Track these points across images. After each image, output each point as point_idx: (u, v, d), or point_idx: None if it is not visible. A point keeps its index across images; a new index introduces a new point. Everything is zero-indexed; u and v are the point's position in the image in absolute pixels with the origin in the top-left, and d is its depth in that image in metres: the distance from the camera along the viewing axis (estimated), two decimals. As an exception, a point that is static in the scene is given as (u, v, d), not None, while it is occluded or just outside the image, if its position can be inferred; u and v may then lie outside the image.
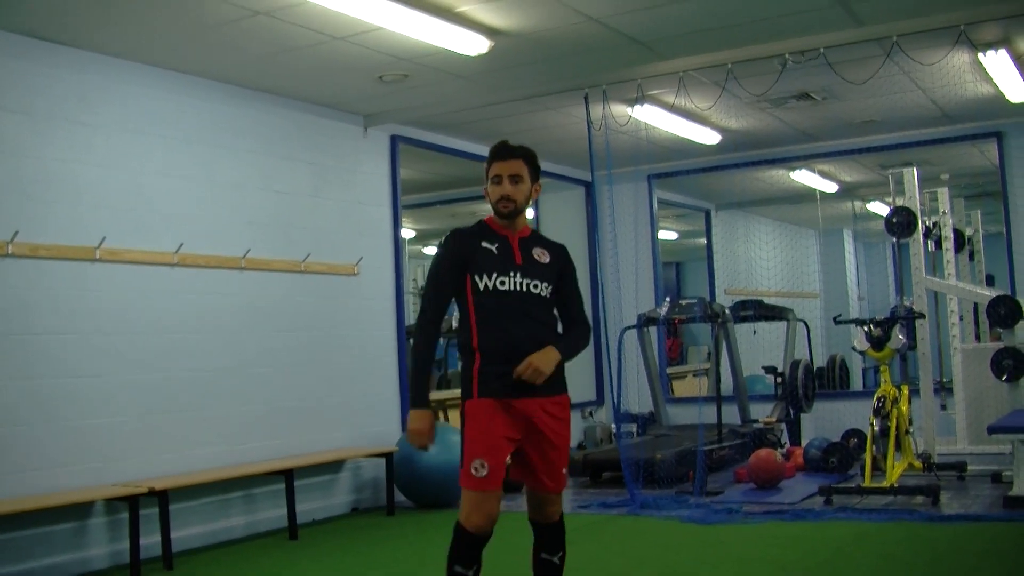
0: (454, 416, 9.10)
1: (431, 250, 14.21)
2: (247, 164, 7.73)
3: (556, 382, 4.15)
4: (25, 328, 6.15)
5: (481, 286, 4.10)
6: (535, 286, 4.13)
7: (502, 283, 4.10)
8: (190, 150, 7.29)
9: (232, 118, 7.64)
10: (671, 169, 11.32)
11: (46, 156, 6.33)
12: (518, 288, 4.10)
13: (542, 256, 4.21)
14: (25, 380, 6.13)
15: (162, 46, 6.70)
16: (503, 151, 4.22)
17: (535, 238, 4.31)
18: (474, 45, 6.77)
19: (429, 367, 4.18)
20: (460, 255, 4.16)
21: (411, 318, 9.01)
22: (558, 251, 4.32)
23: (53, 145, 6.39)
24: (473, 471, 3.97)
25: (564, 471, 4.26)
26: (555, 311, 4.25)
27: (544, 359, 4.03)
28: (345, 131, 8.61)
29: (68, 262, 6.39)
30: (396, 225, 9.02)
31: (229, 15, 6.16)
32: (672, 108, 8.46)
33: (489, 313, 4.10)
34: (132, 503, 6.23)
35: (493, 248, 4.16)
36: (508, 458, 4.10)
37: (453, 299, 4.21)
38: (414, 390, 4.12)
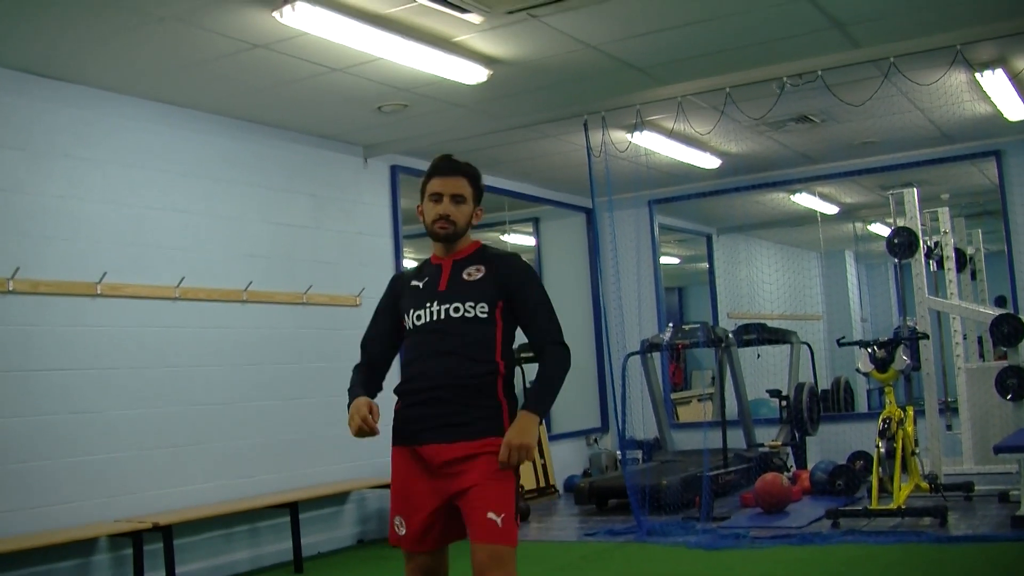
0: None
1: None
2: (247, 197, 7.74)
3: (481, 422, 3.64)
4: (27, 364, 6.15)
5: (407, 327, 3.80)
6: (456, 309, 3.68)
7: (419, 318, 3.73)
8: (189, 184, 7.30)
9: (231, 151, 7.65)
10: (672, 194, 11.33)
11: (45, 192, 6.35)
12: (435, 317, 3.69)
13: (473, 274, 3.76)
14: (27, 416, 6.12)
15: (160, 80, 6.73)
16: (446, 166, 3.84)
17: (475, 256, 3.85)
18: (473, 74, 6.79)
19: (365, 380, 3.85)
20: (391, 298, 3.95)
21: None
22: (500, 263, 3.83)
23: (51, 181, 6.40)
24: (395, 528, 3.76)
25: (492, 515, 3.56)
26: (497, 333, 3.70)
27: (520, 432, 3.58)
28: (345, 162, 8.63)
29: (69, 297, 6.40)
30: (398, 255, 9.02)
31: (227, 49, 6.19)
32: (671, 133, 8.46)
33: (408, 352, 3.80)
34: (136, 539, 6.21)
35: (420, 283, 3.83)
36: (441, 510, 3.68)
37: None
38: (350, 396, 3.79)
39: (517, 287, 3.77)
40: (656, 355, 10.48)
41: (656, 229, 11.71)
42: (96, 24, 5.69)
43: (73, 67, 6.35)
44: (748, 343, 10.31)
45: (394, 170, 9.09)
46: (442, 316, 3.68)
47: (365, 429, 3.67)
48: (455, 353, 3.63)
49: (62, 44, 5.96)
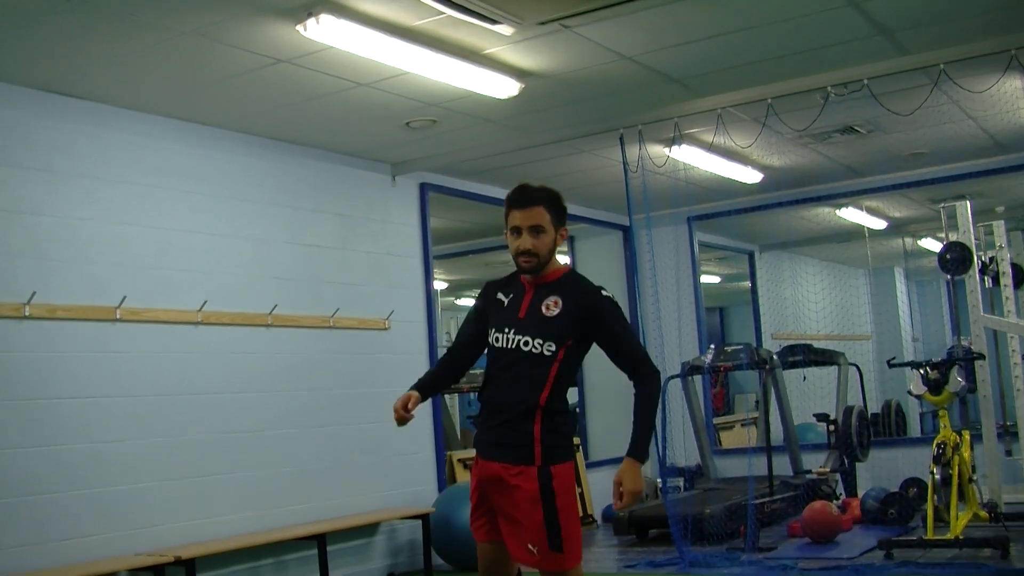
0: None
1: (465, 301, 14.28)
2: (272, 217, 7.76)
3: (518, 449, 3.97)
4: (44, 393, 6.16)
5: (490, 340, 4.12)
6: (526, 343, 3.98)
7: (497, 340, 4.06)
8: (212, 204, 7.32)
9: (255, 170, 7.68)
10: (712, 210, 11.25)
11: (65, 214, 6.38)
12: (509, 346, 4.02)
13: (551, 307, 4.01)
14: (46, 446, 6.12)
15: (182, 98, 6.75)
16: (521, 198, 4.04)
17: (559, 283, 4.09)
18: (504, 88, 6.77)
19: (433, 375, 4.32)
20: (480, 306, 4.23)
21: None
22: (580, 297, 4.04)
23: (72, 202, 6.43)
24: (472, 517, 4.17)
25: (531, 547, 3.96)
26: (551, 371, 3.96)
27: (629, 476, 3.95)
28: (372, 180, 8.64)
29: (87, 323, 6.40)
30: (428, 276, 9.02)
31: (250, 64, 6.20)
32: (711, 147, 8.40)
33: (489, 369, 4.12)
34: (158, 573, 6.17)
35: (506, 300, 4.12)
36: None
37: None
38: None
39: (601, 323, 3.99)
40: (697, 378, 10.43)
41: (696, 247, 11.67)
42: (118, 42, 5.72)
43: (94, 86, 6.38)
44: (794, 365, 10.23)
45: (423, 188, 9.09)
46: (513, 346, 3.99)
47: (400, 418, 4.09)
48: (516, 385, 3.97)
49: (83, 63, 5.99)
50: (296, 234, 7.93)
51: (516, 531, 3.95)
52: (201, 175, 7.28)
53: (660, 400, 4.15)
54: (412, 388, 4.16)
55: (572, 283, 4.08)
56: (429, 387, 4.24)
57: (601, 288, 4.10)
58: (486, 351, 4.16)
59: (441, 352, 10.86)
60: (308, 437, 7.77)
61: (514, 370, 3.97)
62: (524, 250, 3.98)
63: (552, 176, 9.34)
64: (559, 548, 3.91)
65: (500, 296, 4.12)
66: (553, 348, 3.94)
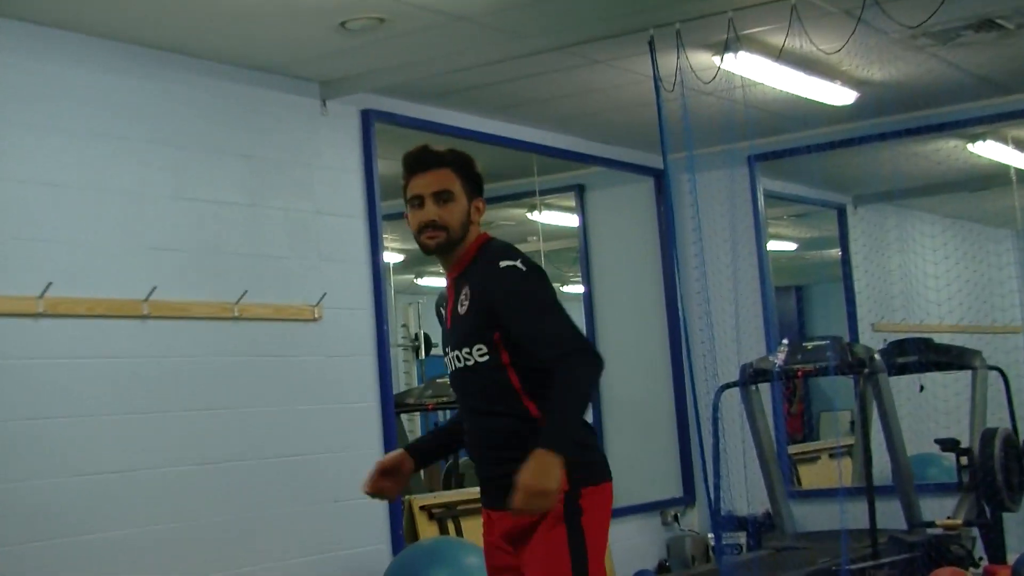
0: (471, 525, 9.12)
1: (430, 281, 14.15)
2: (149, 161, 7.61)
3: (503, 490, 4.09)
4: None
5: None
6: (458, 358, 4.31)
7: (446, 366, 4.46)
8: (63, 142, 7.16)
9: (125, 92, 7.53)
10: (783, 146, 11.17)
11: None
12: (451, 368, 4.39)
13: (465, 301, 4.30)
14: None
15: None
16: (420, 159, 4.33)
17: (471, 269, 4.40)
18: (476, -29, 6.60)
19: (433, 435, 5.11)
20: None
21: (401, 381, 8.77)
22: (480, 275, 4.31)
23: None
24: None
25: None
26: (510, 374, 4.23)
27: (534, 472, 3.91)
28: (294, 106, 8.53)
29: None
30: (375, 245, 8.93)
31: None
32: (781, 54, 8.28)
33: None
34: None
35: (444, 310, 4.45)
36: None
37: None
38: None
39: (502, 302, 4.18)
40: (764, 388, 10.33)
41: (761, 199, 11.60)
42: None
43: None
44: (905, 369, 10.10)
45: (367, 117, 8.95)
46: (454, 367, 4.35)
47: (373, 490, 4.44)
48: (481, 413, 4.30)
49: None
50: (184, 186, 7.80)
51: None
52: (43, 98, 7.09)
53: (595, 387, 4.25)
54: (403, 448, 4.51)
55: (481, 262, 4.34)
56: (428, 450, 4.68)
57: (506, 256, 4.27)
58: None
59: (400, 356, 10.95)
60: (202, 478, 7.64)
61: (470, 398, 4.32)
62: (427, 222, 4.24)
63: (552, 99, 9.35)
64: None
65: (442, 310, 4.59)
66: (484, 351, 4.19)
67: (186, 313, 7.71)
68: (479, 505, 4.47)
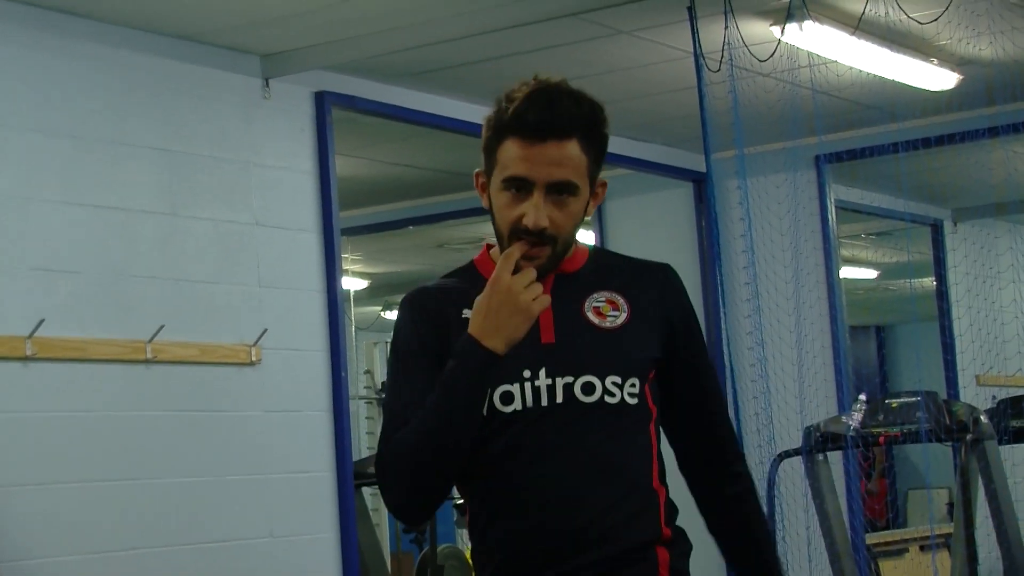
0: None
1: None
2: (38, 155, 6.22)
3: None
4: None
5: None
6: (589, 387, 2.59)
7: (507, 399, 2.60)
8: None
9: (10, 65, 6.13)
10: (861, 144, 9.32)
11: None
12: (545, 401, 2.61)
13: (608, 311, 2.71)
14: None
15: None
16: (544, 119, 2.58)
17: (594, 271, 2.81)
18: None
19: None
20: (428, 339, 2.78)
21: (363, 444, 8.30)
22: (650, 284, 2.81)
23: None
24: None
25: None
26: (651, 431, 2.71)
27: None
28: (228, 86, 7.11)
29: None
30: (331, 267, 7.44)
31: None
32: (859, 27, 6.84)
33: (490, 471, 2.67)
34: None
35: None
36: None
37: None
38: (456, 376, 2.61)
39: (683, 332, 2.82)
40: (836, 458, 8.50)
41: (832, 211, 9.73)
42: None
43: None
44: (1022, 435, 8.10)
45: (321, 101, 7.42)
46: (559, 399, 2.63)
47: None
48: (597, 481, 2.65)
49: None
50: (85, 188, 6.37)
51: None
52: None
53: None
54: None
55: (623, 266, 2.87)
56: None
57: (669, 265, 2.95)
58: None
59: (360, 411, 10.39)
60: (97, 572, 6.22)
61: (579, 443, 2.63)
62: (535, 227, 2.60)
63: (582, 77, 7.98)
64: None
65: (468, 313, 2.70)
66: (637, 388, 2.65)
67: (83, 354, 6.30)
68: None
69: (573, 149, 2.68)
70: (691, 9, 6.41)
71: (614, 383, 2.69)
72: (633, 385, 2.71)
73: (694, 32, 6.54)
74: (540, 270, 2.76)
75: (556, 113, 2.67)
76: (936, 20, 6.60)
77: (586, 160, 2.73)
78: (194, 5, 6.51)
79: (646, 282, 2.87)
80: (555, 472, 2.69)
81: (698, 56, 6.67)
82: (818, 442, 7.88)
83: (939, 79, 8.17)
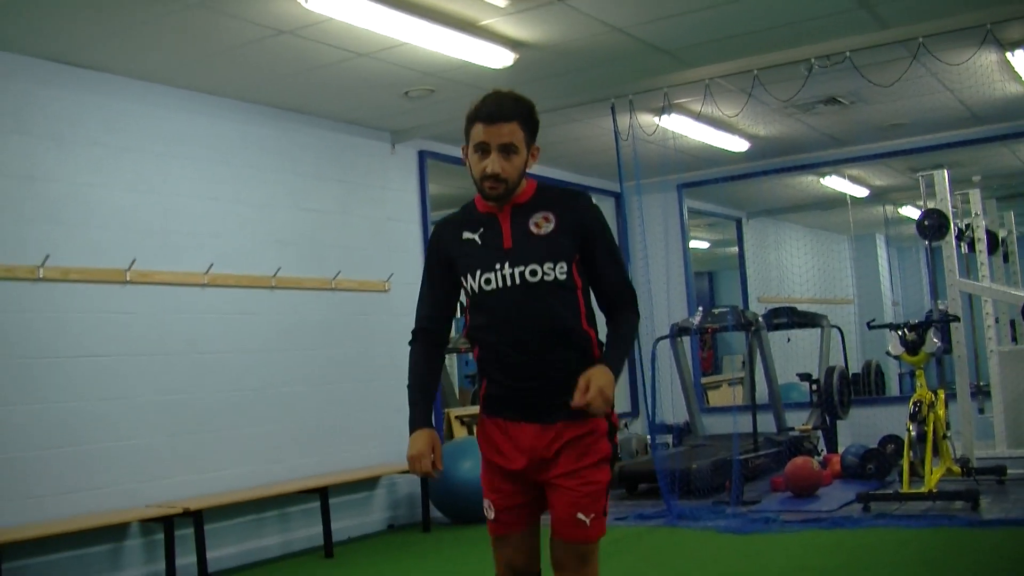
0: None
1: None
2: (275, 183, 7.73)
3: (558, 408, 3.19)
4: (57, 351, 6.19)
5: (470, 290, 3.30)
6: (533, 272, 3.18)
7: (487, 282, 3.22)
8: (218, 170, 7.31)
9: (259, 137, 7.64)
10: (701, 178, 11.16)
11: (74, 180, 6.38)
12: (508, 283, 3.20)
13: (543, 224, 3.25)
14: (57, 402, 6.15)
15: (187, 67, 6.73)
16: (491, 111, 3.20)
17: (536, 201, 3.32)
18: (499, 58, 6.75)
19: (425, 382, 3.36)
20: (441, 255, 3.38)
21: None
22: (569, 206, 3.31)
23: (82, 169, 6.43)
24: (485, 511, 3.36)
25: (581, 516, 3.19)
26: (579, 295, 3.25)
27: (607, 383, 3.10)
28: (373, 148, 8.58)
29: (98, 285, 6.42)
30: (425, 240, 8.88)
31: (253, 35, 6.19)
32: (699, 116, 8.36)
33: (482, 325, 3.27)
34: (167, 524, 6.25)
35: (476, 237, 3.31)
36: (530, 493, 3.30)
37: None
38: (411, 411, 3.29)
39: (591, 235, 3.28)
40: (686, 339, 10.40)
41: (685, 213, 11.62)
42: (125, 13, 5.70)
43: (102, 56, 6.37)
44: (778, 327, 10.23)
45: (422, 156, 9.01)
46: (517, 281, 3.19)
47: (428, 474, 3.29)
48: (539, 317, 3.18)
49: (91, 33, 5.97)
50: (299, 199, 7.89)
51: (570, 500, 3.18)
52: (206, 142, 7.25)
53: (646, 354, 3.60)
54: (418, 425, 3.27)
55: (552, 196, 3.34)
56: (430, 406, 3.36)
57: (586, 196, 3.41)
58: (469, 306, 3.35)
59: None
60: (311, 394, 7.75)
61: (529, 306, 3.19)
62: (492, 174, 3.20)
63: (546, 144, 8.97)
64: (605, 511, 3.26)
65: (468, 235, 3.31)
66: (565, 269, 3.20)
67: (300, 285, 7.77)
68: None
69: (514, 127, 3.17)
70: (613, 109, 7.78)
71: (548, 267, 3.17)
72: (562, 267, 3.18)
73: (614, 120, 7.91)
74: (498, 198, 3.22)
75: (502, 107, 3.18)
76: (736, 115, 8.06)
77: (523, 133, 3.20)
78: (356, 106, 7.86)
79: (568, 205, 3.28)
80: (516, 326, 3.17)
81: (616, 132, 7.96)
82: (678, 332, 9.98)
83: (739, 144, 9.80)
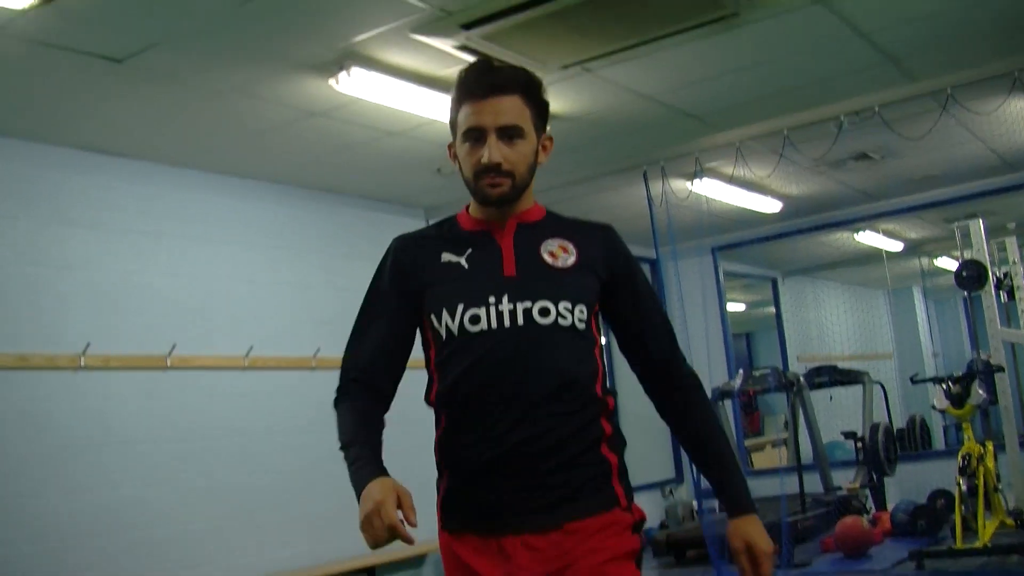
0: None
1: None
2: (311, 263, 7.72)
3: (588, 487, 2.39)
4: (101, 438, 6.15)
5: (443, 331, 2.44)
6: (545, 311, 2.37)
7: (474, 320, 2.39)
8: (254, 253, 7.32)
9: (293, 218, 7.65)
10: (735, 240, 11.09)
11: (114, 268, 6.40)
12: (506, 322, 2.37)
13: (560, 254, 2.46)
14: (98, 491, 6.10)
15: (220, 152, 6.76)
16: (484, 80, 2.40)
17: (550, 224, 2.54)
18: (529, 131, 6.71)
19: (368, 433, 2.49)
20: (408, 278, 2.57)
21: None
22: (593, 238, 2.54)
23: (120, 257, 6.45)
24: None
25: None
26: (596, 352, 2.46)
27: (757, 532, 2.49)
28: (407, 224, 8.04)
29: (140, 371, 6.40)
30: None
31: (284, 118, 6.22)
32: (731, 179, 8.30)
33: (458, 380, 2.43)
34: (214, 609, 6.18)
35: (461, 260, 2.49)
36: None
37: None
38: (353, 469, 2.40)
39: (623, 278, 2.52)
40: (728, 402, 10.25)
41: (721, 276, 11.52)
42: (158, 101, 5.75)
43: (135, 144, 6.42)
44: (820, 385, 10.08)
45: None
46: (519, 321, 2.36)
47: (393, 536, 2.32)
48: (547, 385, 2.35)
49: (125, 123, 6.03)
50: (335, 278, 7.86)
51: None
52: (241, 225, 7.27)
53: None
54: (369, 472, 2.38)
55: (571, 223, 2.58)
56: (379, 458, 2.46)
57: (609, 227, 2.63)
58: (436, 360, 2.51)
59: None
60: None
61: (534, 356, 2.34)
62: (492, 164, 2.39)
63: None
64: None
65: (449, 257, 2.51)
66: (585, 315, 2.40)
67: (339, 365, 7.52)
68: None
69: (515, 102, 2.34)
70: (645, 176, 7.65)
71: (566, 308, 2.34)
72: (582, 311, 2.36)
73: (646, 187, 7.71)
74: (503, 198, 2.41)
75: (495, 74, 2.37)
76: (769, 176, 7.91)
77: (528, 111, 2.37)
78: (390, 184, 7.88)
79: (592, 237, 2.50)
80: (513, 381, 2.30)
81: (649, 199, 7.74)
82: (720, 395, 9.72)
83: (772, 205, 9.68)
